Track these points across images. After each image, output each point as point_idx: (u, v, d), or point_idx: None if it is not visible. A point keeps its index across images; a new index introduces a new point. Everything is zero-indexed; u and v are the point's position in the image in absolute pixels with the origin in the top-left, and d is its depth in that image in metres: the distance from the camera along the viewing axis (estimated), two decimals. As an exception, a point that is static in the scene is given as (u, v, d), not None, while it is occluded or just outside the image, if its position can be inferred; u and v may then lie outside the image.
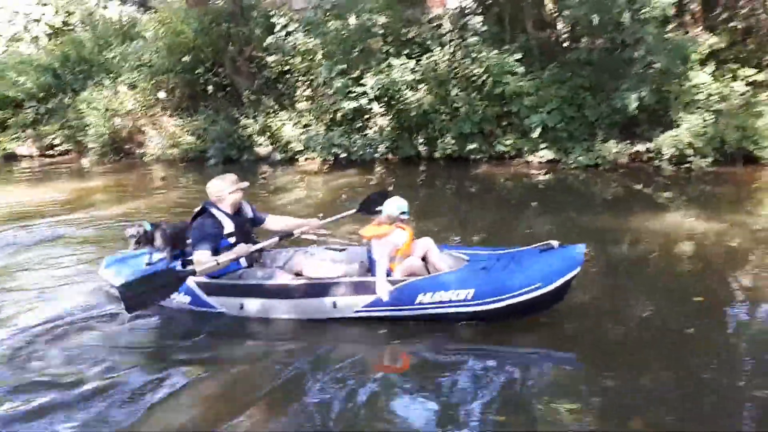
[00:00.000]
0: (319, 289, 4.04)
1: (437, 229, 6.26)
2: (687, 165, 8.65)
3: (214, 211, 4.06)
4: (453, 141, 10.01)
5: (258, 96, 11.67)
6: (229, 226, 4.06)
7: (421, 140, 10.48)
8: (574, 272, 3.79)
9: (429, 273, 4.06)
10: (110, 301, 4.53)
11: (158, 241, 4.38)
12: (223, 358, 3.77)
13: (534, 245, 4.08)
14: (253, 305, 4.13)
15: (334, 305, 3.99)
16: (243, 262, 4.15)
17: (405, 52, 10.58)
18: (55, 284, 5.08)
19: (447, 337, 3.85)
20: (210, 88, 11.97)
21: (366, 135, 10.49)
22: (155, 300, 3.88)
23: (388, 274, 3.95)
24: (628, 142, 9.16)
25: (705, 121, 8.52)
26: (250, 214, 4.36)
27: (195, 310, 4.27)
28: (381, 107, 10.56)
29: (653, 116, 9.24)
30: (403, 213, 4.11)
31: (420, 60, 10.25)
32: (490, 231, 6.53)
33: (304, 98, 11.03)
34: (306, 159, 11.15)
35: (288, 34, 10.55)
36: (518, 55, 9.52)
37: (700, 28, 9.48)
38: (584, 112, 9.35)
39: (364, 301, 3.94)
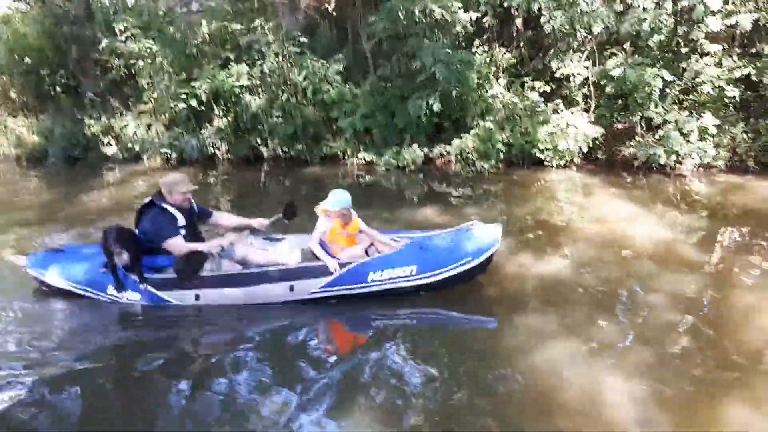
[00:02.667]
0: (274, 275, 4.42)
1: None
2: (475, 168, 9.66)
3: (165, 205, 4.32)
4: (282, 143, 10.68)
5: (103, 97, 11.91)
6: (181, 219, 4.35)
7: (257, 141, 11.09)
8: (496, 247, 4.54)
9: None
10: (46, 300, 4.69)
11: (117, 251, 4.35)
12: (188, 350, 4.00)
13: (460, 225, 4.81)
14: (209, 295, 4.40)
15: (291, 288, 4.41)
16: None
17: (244, 58, 11.17)
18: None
19: (395, 307, 4.46)
20: (57, 89, 12.09)
21: (201, 135, 10.98)
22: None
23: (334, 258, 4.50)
24: (431, 146, 10.11)
25: (491, 127, 9.55)
26: (196, 209, 4.66)
27: (147, 305, 4.47)
28: (220, 109, 11.11)
29: (457, 123, 10.25)
30: (334, 209, 4.54)
31: (254, 66, 10.85)
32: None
33: (148, 99, 11.38)
34: (149, 158, 11.51)
35: (127, 39, 10.85)
36: (337, 66, 10.28)
37: (502, 45, 10.59)
38: (395, 119, 10.22)
39: (320, 282, 4.41)
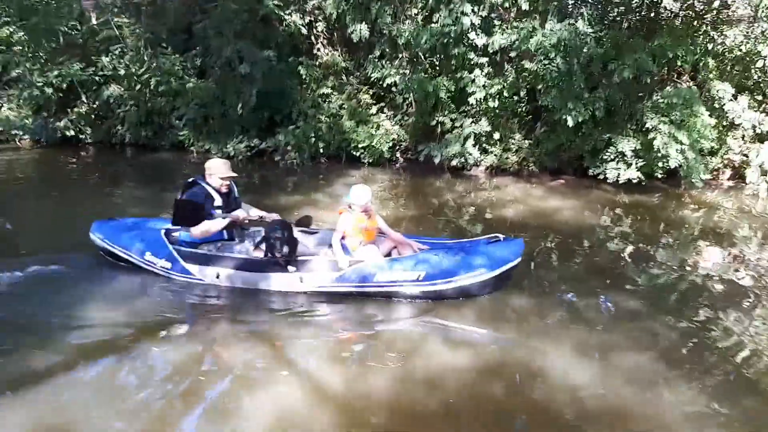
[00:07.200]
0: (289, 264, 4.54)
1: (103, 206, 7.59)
2: (292, 161, 10.70)
3: (204, 185, 4.76)
4: (132, 130, 11.70)
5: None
6: (218, 200, 4.75)
7: (118, 128, 12.09)
8: (515, 262, 4.48)
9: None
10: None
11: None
12: (200, 327, 4.24)
13: (482, 237, 4.85)
14: (228, 275, 4.61)
15: (301, 280, 4.52)
16: (225, 234, 4.83)
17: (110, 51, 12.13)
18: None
19: (400, 311, 4.46)
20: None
21: (60, 120, 11.96)
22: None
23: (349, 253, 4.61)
24: (264, 138, 11.12)
25: (308, 125, 10.59)
26: (236, 194, 5.05)
27: (174, 276, 4.74)
28: (85, 96, 12.11)
29: (286, 120, 11.24)
30: (359, 203, 4.67)
31: (114, 59, 11.83)
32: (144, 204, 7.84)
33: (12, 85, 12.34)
34: (20, 139, 12.46)
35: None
36: (179, 63, 11.31)
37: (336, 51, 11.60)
38: (230, 111, 11.23)
39: (330, 277, 4.49)
